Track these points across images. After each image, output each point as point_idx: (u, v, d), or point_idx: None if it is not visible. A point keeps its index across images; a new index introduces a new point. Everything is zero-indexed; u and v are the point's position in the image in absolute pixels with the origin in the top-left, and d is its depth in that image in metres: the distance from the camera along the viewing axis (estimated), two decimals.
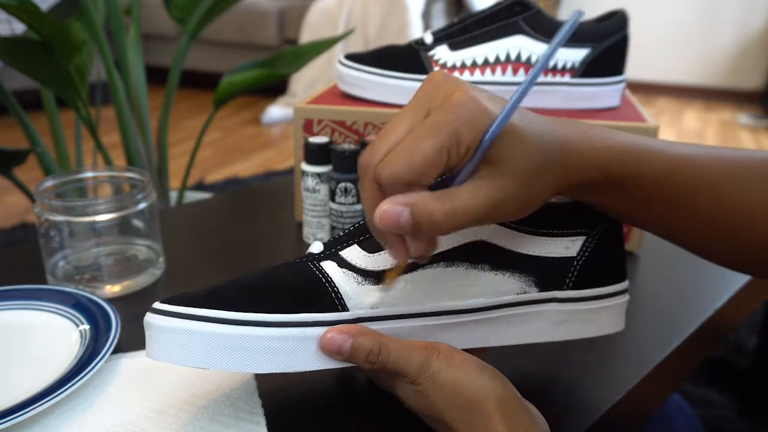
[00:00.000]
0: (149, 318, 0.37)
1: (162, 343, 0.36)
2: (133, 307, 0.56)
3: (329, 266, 0.40)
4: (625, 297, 0.45)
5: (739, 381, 1.17)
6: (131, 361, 0.47)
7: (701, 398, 1.14)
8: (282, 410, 0.43)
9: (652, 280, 0.63)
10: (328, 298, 0.39)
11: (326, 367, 0.38)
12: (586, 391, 0.47)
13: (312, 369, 0.38)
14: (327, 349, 0.38)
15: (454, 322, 0.41)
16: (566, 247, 0.42)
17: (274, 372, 0.37)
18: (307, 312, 0.38)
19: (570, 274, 0.42)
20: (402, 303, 0.40)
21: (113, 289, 0.58)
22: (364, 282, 0.40)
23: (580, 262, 0.42)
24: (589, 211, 0.43)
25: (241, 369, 0.37)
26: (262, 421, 0.41)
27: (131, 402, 0.43)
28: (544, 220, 0.42)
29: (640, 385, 0.48)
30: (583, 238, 0.42)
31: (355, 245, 0.41)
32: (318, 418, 0.43)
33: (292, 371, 0.38)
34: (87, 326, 0.50)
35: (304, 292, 0.39)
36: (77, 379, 0.43)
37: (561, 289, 0.42)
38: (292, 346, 0.38)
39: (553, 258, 0.42)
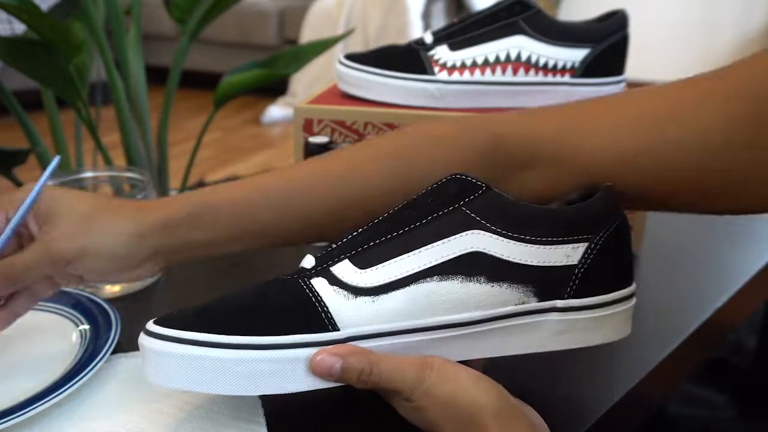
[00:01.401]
0: (143, 340, 0.38)
1: (156, 366, 0.37)
2: (133, 307, 0.56)
3: (319, 283, 0.39)
4: (632, 302, 0.44)
5: (739, 381, 1.17)
6: (131, 361, 0.47)
7: (701, 398, 1.14)
8: (282, 410, 0.43)
9: (652, 280, 0.63)
10: (318, 318, 0.38)
11: (319, 387, 0.38)
12: (587, 391, 0.47)
13: (303, 390, 0.38)
14: (317, 370, 0.37)
15: (450, 335, 0.40)
16: (567, 255, 0.40)
17: (266, 394, 0.38)
18: (297, 333, 0.38)
19: (571, 283, 0.41)
20: (395, 320, 0.39)
21: (113, 289, 0.58)
22: (355, 299, 0.39)
23: (582, 270, 0.41)
24: (591, 216, 0.41)
25: (233, 392, 0.37)
26: (262, 421, 0.41)
27: (131, 402, 0.43)
28: (543, 228, 0.40)
29: (640, 384, 0.48)
30: (585, 244, 0.41)
31: (347, 260, 0.40)
32: (318, 418, 0.43)
33: (283, 392, 0.38)
34: (87, 326, 0.50)
35: (294, 312, 0.38)
36: (77, 379, 0.43)
37: (562, 298, 0.41)
38: (283, 368, 0.37)
39: (553, 267, 0.40)
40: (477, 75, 0.68)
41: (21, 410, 0.39)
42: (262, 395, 0.43)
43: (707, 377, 1.19)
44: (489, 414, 0.35)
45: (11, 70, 0.91)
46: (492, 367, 0.40)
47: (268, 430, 0.41)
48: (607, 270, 0.42)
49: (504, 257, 0.40)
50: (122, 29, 1.07)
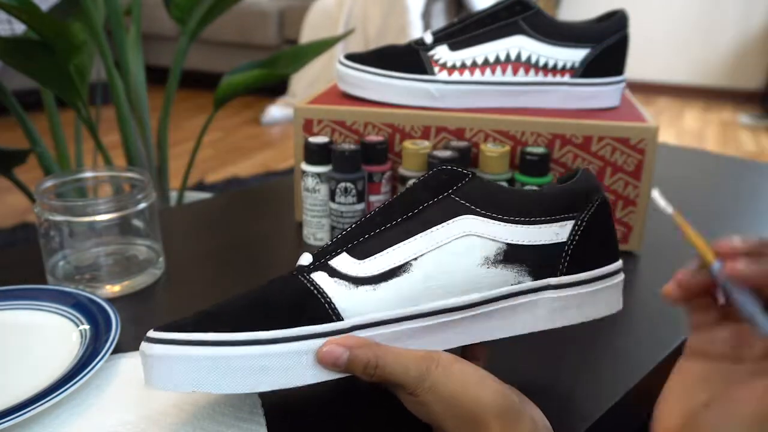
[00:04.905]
0: (144, 348, 0.37)
1: (160, 370, 0.37)
2: (133, 307, 0.56)
3: (320, 277, 0.40)
4: (620, 277, 0.45)
5: None
6: (131, 361, 0.47)
7: None
8: (282, 410, 0.43)
9: (652, 280, 0.63)
10: (322, 310, 0.39)
11: (325, 379, 0.38)
12: (586, 391, 0.47)
13: (311, 382, 0.38)
14: (324, 361, 0.38)
15: (451, 320, 0.41)
16: (555, 233, 0.42)
17: (273, 389, 0.37)
18: (302, 325, 0.38)
19: (562, 260, 0.42)
20: (396, 306, 0.40)
21: (113, 289, 0.58)
22: (356, 289, 0.39)
23: (571, 247, 0.42)
24: (575, 195, 0.43)
25: (241, 390, 0.37)
26: (262, 421, 0.41)
27: (131, 402, 0.43)
28: (530, 209, 0.42)
29: (641, 384, 0.48)
30: (572, 222, 0.42)
31: (345, 253, 0.41)
32: (318, 417, 0.43)
33: (291, 386, 0.38)
34: (87, 326, 0.50)
35: (297, 305, 0.39)
36: (77, 379, 0.43)
37: (554, 275, 0.42)
38: (289, 361, 0.37)
39: (544, 245, 0.42)
40: (477, 75, 0.68)
41: (21, 410, 0.39)
42: (262, 394, 0.43)
43: None
44: (492, 413, 0.36)
45: (11, 70, 0.91)
46: (493, 365, 0.40)
47: (268, 430, 0.41)
48: (595, 245, 0.43)
49: (497, 239, 0.41)
50: (122, 29, 1.07)
